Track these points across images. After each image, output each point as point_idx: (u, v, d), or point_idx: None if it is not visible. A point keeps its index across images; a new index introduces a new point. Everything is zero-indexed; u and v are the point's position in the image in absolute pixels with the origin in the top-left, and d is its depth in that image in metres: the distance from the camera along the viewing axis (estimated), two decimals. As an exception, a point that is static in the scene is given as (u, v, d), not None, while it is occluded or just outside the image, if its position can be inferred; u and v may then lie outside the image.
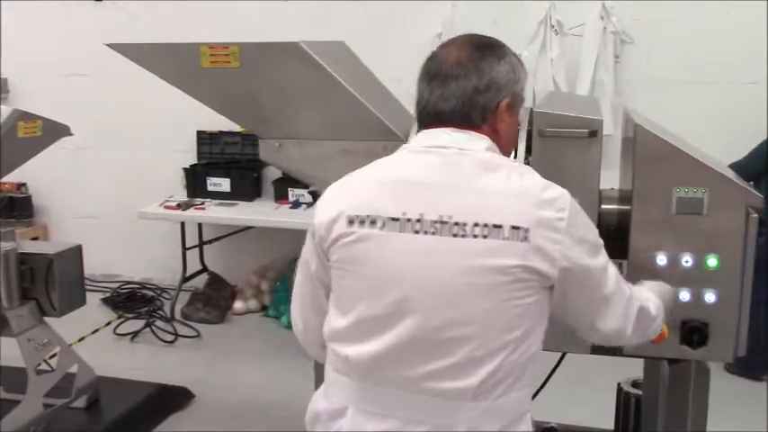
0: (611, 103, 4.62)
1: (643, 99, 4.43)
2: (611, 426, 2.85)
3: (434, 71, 1.59)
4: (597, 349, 2.06)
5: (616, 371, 2.80)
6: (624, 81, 4.78)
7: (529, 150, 2.02)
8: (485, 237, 1.44)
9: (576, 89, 4.73)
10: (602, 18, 4.71)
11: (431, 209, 1.48)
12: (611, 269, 1.57)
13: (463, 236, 1.45)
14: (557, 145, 1.90)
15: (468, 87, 1.55)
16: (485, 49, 1.59)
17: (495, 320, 1.46)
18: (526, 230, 1.43)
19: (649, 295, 1.73)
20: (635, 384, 2.78)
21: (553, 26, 4.75)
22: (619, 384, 2.83)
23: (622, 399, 2.80)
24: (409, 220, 1.49)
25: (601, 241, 1.56)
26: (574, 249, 1.47)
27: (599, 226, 1.94)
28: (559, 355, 2.37)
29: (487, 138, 1.57)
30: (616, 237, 2.06)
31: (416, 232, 1.49)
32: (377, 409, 1.53)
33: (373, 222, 1.52)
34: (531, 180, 1.50)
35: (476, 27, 5.13)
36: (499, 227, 1.43)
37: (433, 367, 1.47)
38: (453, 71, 1.56)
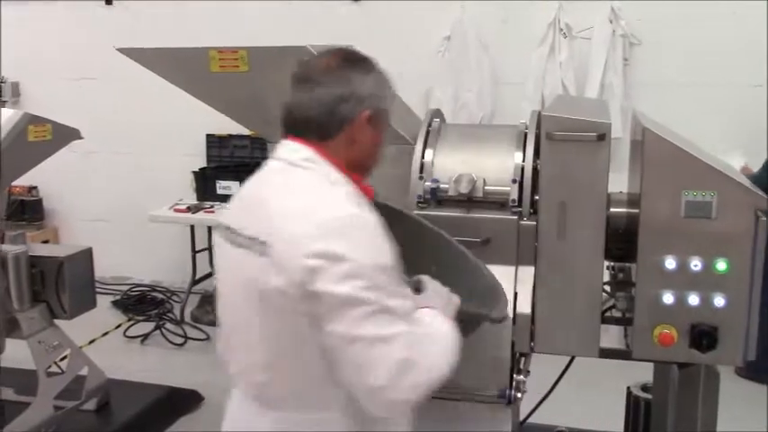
0: (621, 106, 4.61)
1: (652, 101, 4.41)
2: (621, 429, 2.84)
3: (304, 76, 1.59)
4: (606, 353, 2.07)
5: (625, 374, 2.79)
6: (633, 83, 4.77)
7: (537, 153, 2.02)
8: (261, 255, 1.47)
9: (584, 92, 4.72)
10: (610, 21, 4.70)
11: (249, 224, 1.51)
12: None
13: (261, 254, 1.47)
14: (565, 148, 1.90)
15: (331, 95, 1.55)
16: (355, 61, 1.60)
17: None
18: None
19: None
20: (644, 388, 2.78)
21: (562, 29, 4.75)
22: (628, 388, 2.82)
23: (632, 402, 2.79)
24: (233, 231, 1.55)
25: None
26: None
27: (608, 229, 1.95)
28: (568, 358, 2.37)
29: (325, 157, 1.56)
30: (625, 240, 2.06)
31: (233, 244, 1.54)
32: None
33: (222, 231, 1.61)
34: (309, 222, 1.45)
35: (485, 29, 5.16)
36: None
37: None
38: (320, 78, 1.56)
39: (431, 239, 1.89)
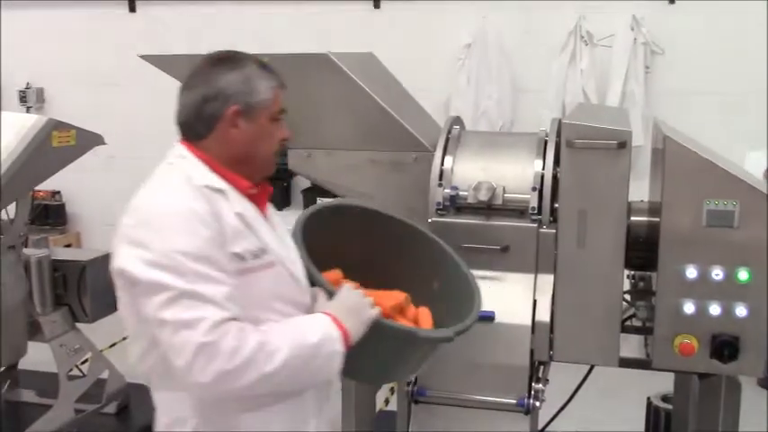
0: (642, 114, 4.58)
1: (673, 110, 4.39)
2: (641, 440, 2.83)
3: (183, 83, 1.65)
4: (626, 362, 2.05)
5: (645, 384, 2.78)
6: (654, 92, 4.74)
7: (557, 161, 2.02)
8: None
9: (605, 100, 4.69)
10: (632, 29, 4.68)
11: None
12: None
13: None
14: (585, 156, 1.89)
15: (197, 96, 1.61)
16: (220, 60, 1.65)
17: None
18: None
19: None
20: (665, 398, 2.76)
21: (583, 37, 4.73)
22: (648, 398, 2.81)
23: (652, 413, 2.77)
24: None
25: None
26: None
27: (628, 237, 1.94)
28: (587, 367, 2.35)
29: (197, 155, 1.63)
30: (645, 249, 2.05)
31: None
32: None
33: None
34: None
35: (506, 38, 5.14)
36: None
37: None
38: (189, 82, 1.63)
39: (420, 242, 1.86)
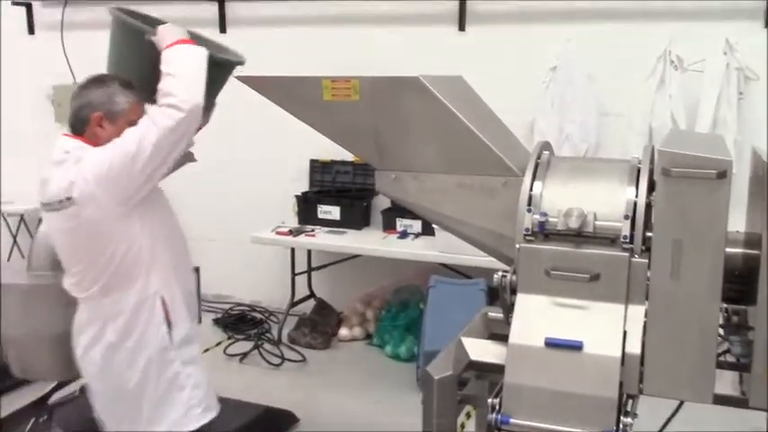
0: (734, 141, 4.43)
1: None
2: (730, 480, 2.71)
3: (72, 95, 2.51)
4: (719, 399, 1.98)
5: (735, 421, 2.66)
6: (748, 119, 4.59)
7: (650, 189, 1.97)
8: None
9: (695, 126, 4.57)
10: (725, 53, 4.55)
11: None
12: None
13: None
14: (682, 185, 1.84)
15: (77, 105, 2.48)
16: (94, 80, 2.51)
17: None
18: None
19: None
20: (756, 438, 2.64)
21: (672, 61, 4.62)
22: (739, 436, 2.69)
23: (743, 452, 2.66)
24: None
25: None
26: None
27: (723, 269, 1.87)
28: (674, 402, 2.27)
29: (82, 141, 2.48)
30: (741, 282, 1.98)
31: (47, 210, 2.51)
32: None
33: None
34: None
35: (592, 61, 5.08)
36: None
37: None
38: (75, 94, 2.49)
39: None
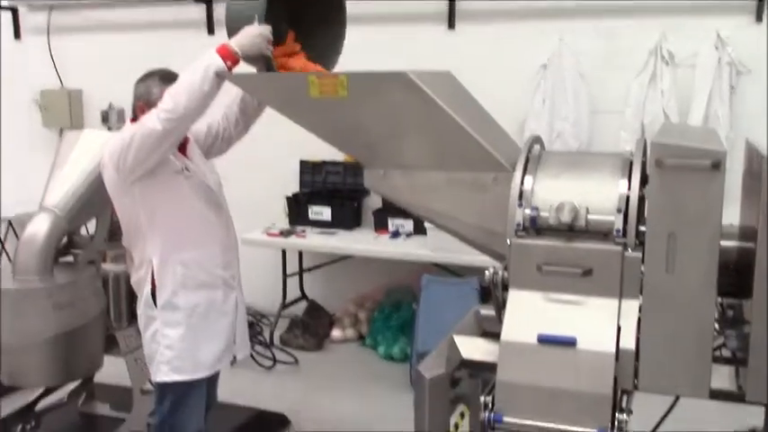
0: (726, 136, 4.41)
1: (760, 133, 4.21)
2: (726, 477, 2.69)
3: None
4: (716, 394, 1.95)
5: (729, 417, 2.63)
6: (740, 113, 4.58)
7: (642, 182, 1.94)
8: None
9: (687, 121, 4.56)
10: (716, 48, 4.53)
11: None
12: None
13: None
14: (675, 177, 1.81)
15: (133, 96, 2.91)
16: (141, 76, 2.91)
17: None
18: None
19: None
20: (753, 433, 2.61)
21: (664, 56, 4.61)
22: (735, 433, 2.67)
23: (739, 449, 2.63)
24: None
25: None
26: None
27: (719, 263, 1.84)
28: (669, 397, 2.24)
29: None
30: (737, 275, 1.95)
31: None
32: None
33: None
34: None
35: (583, 58, 5.05)
36: None
37: None
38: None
39: None
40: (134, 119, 2.85)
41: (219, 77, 2.53)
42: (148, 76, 2.88)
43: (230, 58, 2.52)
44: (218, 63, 2.52)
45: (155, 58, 6.11)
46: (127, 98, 2.97)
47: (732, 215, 2.15)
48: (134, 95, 2.88)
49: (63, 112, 6.34)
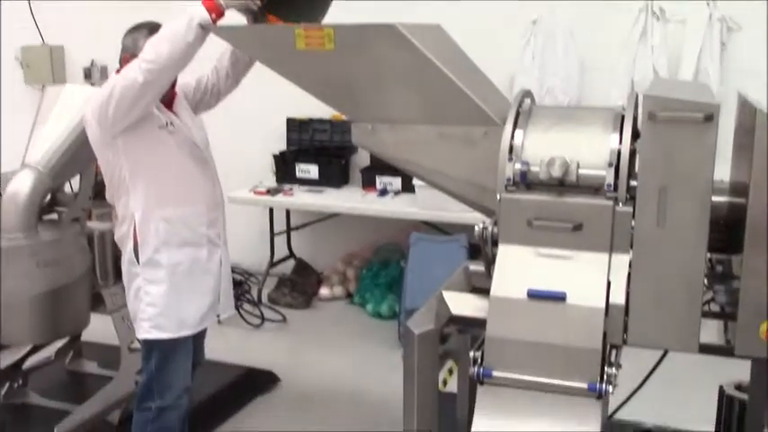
0: (716, 92, 4.38)
1: (750, 89, 4.16)
2: (712, 430, 2.71)
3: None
4: (704, 349, 1.95)
5: (717, 371, 2.65)
6: (730, 69, 4.55)
7: (634, 137, 1.92)
8: None
9: (677, 77, 4.52)
10: (707, 4, 4.49)
11: None
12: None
13: None
14: (667, 130, 1.79)
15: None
16: (129, 28, 2.88)
17: None
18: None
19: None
20: (739, 387, 2.63)
21: (655, 12, 4.56)
22: (721, 387, 2.68)
23: (725, 402, 2.66)
24: None
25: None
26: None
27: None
28: (657, 352, 2.25)
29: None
30: (726, 231, 1.94)
31: None
32: None
33: None
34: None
35: (573, 14, 4.98)
36: None
37: None
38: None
39: None
40: (119, 71, 2.79)
41: (204, 29, 2.49)
42: (137, 28, 2.83)
43: (215, 10, 2.49)
44: (203, 14, 2.49)
45: (138, 15, 6.03)
46: (110, 55, 2.93)
47: (722, 173, 2.13)
48: (121, 48, 2.84)
49: (45, 69, 6.24)
